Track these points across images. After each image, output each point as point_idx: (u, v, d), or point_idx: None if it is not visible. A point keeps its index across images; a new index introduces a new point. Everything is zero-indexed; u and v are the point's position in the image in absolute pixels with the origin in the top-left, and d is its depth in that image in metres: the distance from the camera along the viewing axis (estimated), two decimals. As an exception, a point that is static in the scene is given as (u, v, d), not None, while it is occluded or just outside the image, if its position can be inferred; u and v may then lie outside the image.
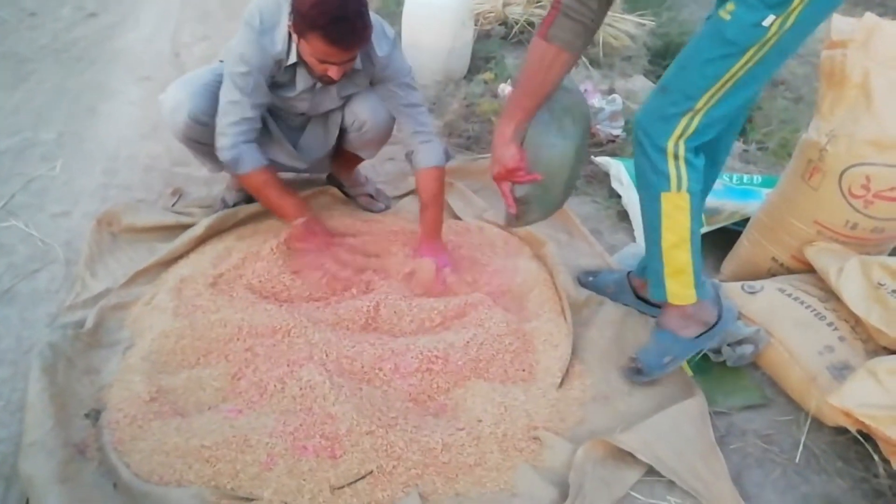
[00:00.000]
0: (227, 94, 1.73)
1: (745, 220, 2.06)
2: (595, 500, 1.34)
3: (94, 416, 1.45)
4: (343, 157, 2.14)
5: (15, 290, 1.83)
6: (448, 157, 2.36)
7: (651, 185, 1.45)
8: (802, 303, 1.73)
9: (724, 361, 1.69)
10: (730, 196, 2.23)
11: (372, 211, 2.24)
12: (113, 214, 2.04)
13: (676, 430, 1.47)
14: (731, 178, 2.37)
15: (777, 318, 1.72)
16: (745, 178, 2.39)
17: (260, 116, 1.80)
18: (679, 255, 1.48)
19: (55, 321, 1.70)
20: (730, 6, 1.26)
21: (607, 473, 1.40)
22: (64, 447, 1.33)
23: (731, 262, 2.05)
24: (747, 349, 1.67)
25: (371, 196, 2.26)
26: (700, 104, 1.35)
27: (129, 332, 1.70)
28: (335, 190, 2.28)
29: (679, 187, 1.42)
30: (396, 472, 1.36)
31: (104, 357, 1.62)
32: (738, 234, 2.05)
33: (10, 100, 2.84)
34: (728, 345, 1.67)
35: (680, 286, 1.52)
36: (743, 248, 2.01)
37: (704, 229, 2.07)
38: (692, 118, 1.37)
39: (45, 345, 1.54)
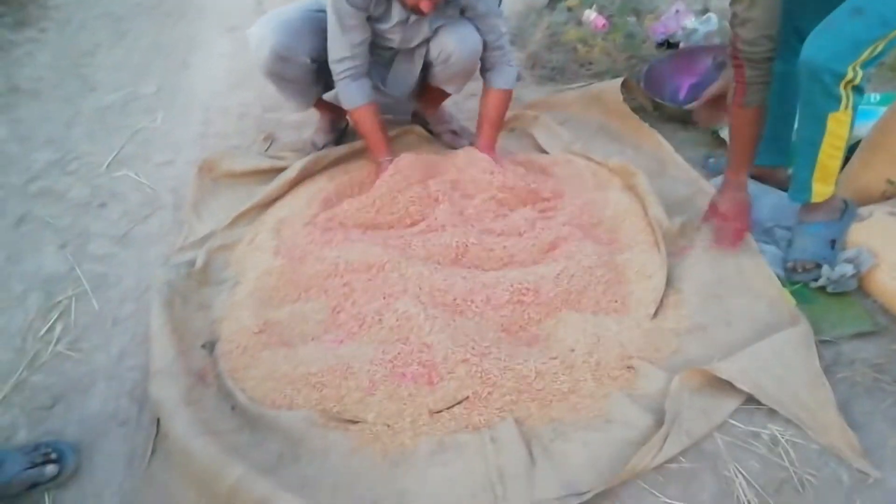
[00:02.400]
0: (330, 33, 1.80)
1: (856, 146, 1.91)
2: (692, 427, 1.33)
3: (210, 346, 1.57)
4: (428, 94, 2.14)
5: (131, 235, 1.97)
6: (519, 77, 2.41)
7: (818, 106, 1.47)
8: (917, 225, 1.61)
9: (826, 288, 1.61)
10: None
11: (455, 148, 2.24)
12: (212, 161, 2.15)
13: (778, 358, 1.43)
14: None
15: (888, 241, 1.61)
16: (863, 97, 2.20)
17: (365, 52, 1.86)
18: (832, 163, 1.56)
19: (168, 261, 1.82)
20: None
21: (705, 401, 1.39)
22: (186, 374, 1.46)
23: (841, 186, 1.91)
24: (847, 269, 1.58)
25: (455, 132, 2.26)
26: (894, 32, 1.34)
27: (234, 271, 1.80)
28: (420, 129, 2.29)
29: (847, 107, 1.45)
30: (492, 398, 1.40)
31: (214, 293, 1.73)
32: (848, 160, 1.91)
33: (110, 57, 3.00)
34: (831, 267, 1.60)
35: (824, 185, 1.60)
36: (854, 171, 1.87)
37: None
38: (879, 44, 1.36)
39: (162, 283, 1.67)
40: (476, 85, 2.41)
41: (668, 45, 2.64)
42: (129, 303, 1.73)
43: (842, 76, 1.40)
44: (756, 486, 1.28)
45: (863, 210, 1.73)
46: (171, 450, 1.34)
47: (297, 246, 1.79)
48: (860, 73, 1.40)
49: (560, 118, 2.35)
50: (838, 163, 1.56)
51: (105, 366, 1.57)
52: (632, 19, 2.77)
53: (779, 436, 1.36)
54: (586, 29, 2.73)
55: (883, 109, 1.90)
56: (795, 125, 1.72)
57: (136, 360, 1.57)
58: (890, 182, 1.79)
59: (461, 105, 2.50)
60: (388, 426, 1.36)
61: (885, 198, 1.80)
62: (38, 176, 2.24)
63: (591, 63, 2.60)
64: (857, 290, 1.64)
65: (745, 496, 1.27)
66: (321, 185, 2.00)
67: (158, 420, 1.39)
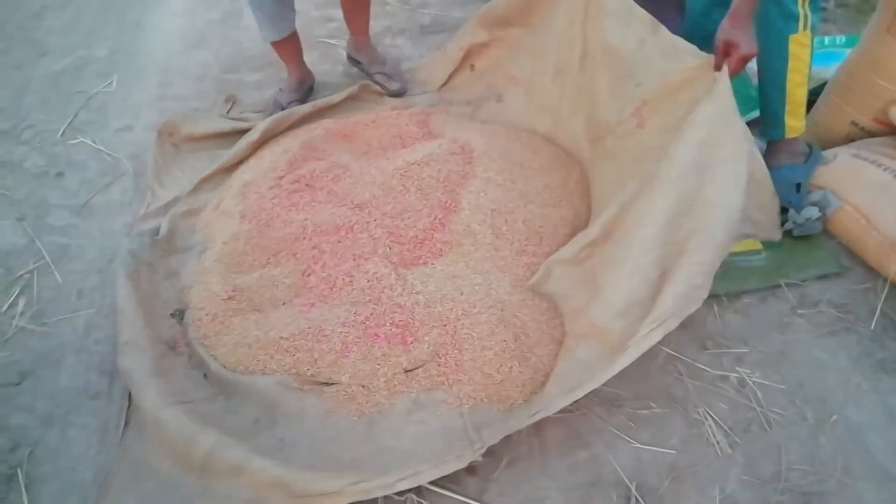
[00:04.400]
0: None
1: (821, 88, 1.92)
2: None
3: (179, 315, 1.55)
4: (352, 27, 2.19)
5: (92, 204, 1.92)
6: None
7: (779, 30, 1.49)
8: (880, 165, 1.63)
9: (791, 232, 1.63)
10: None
11: (387, 88, 2.23)
12: (172, 125, 2.08)
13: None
14: (811, 42, 2.18)
15: (852, 183, 1.63)
16: (826, 39, 2.19)
17: None
18: (800, 91, 1.58)
19: (132, 230, 1.78)
20: None
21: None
22: (155, 344, 1.44)
23: (807, 129, 1.92)
24: (812, 212, 1.60)
25: (387, 74, 2.25)
26: None
27: (201, 237, 1.77)
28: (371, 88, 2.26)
29: (805, 26, 1.49)
30: (464, 355, 1.40)
31: (181, 261, 1.70)
32: (813, 103, 1.92)
33: (59, 19, 2.87)
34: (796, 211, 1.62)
35: (796, 119, 1.62)
36: (820, 113, 1.88)
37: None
38: None
39: (126, 253, 1.63)
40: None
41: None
42: (93, 274, 1.70)
43: None
44: (724, 427, 1.32)
45: (828, 153, 1.74)
46: (143, 421, 1.33)
47: (263, 209, 1.75)
48: None
49: (529, 32, 2.06)
50: (804, 92, 1.58)
51: (72, 339, 1.55)
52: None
53: (746, 378, 1.39)
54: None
55: (848, 51, 1.90)
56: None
57: (103, 333, 1.55)
58: (854, 124, 1.80)
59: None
60: (363, 386, 1.37)
61: (849, 140, 1.82)
62: (-10, 147, 2.16)
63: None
64: (822, 232, 1.66)
65: (715, 437, 1.30)
66: (286, 146, 1.95)
67: (130, 393, 1.38)
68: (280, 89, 2.22)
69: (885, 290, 1.51)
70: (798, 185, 1.65)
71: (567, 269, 1.51)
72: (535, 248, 1.61)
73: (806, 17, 1.47)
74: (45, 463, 1.32)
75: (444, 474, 1.20)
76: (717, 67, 1.42)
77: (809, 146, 1.71)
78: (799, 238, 1.64)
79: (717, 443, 1.30)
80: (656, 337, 1.21)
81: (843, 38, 2.18)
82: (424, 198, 1.71)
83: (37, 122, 2.25)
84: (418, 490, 1.22)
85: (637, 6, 1.65)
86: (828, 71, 1.96)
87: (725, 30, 1.41)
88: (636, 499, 1.22)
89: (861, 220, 1.57)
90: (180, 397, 1.33)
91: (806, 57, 1.53)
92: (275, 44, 2.13)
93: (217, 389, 1.39)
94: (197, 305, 1.55)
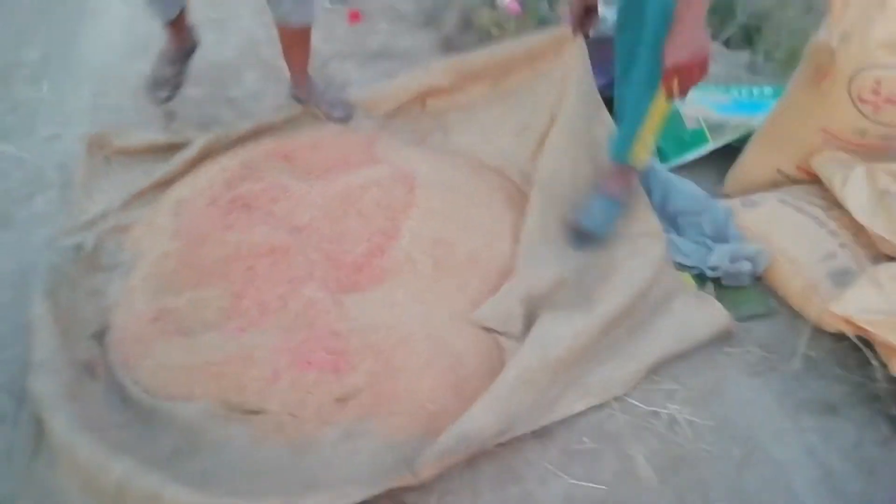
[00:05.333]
0: None
1: (749, 136, 2.01)
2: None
3: (100, 336, 1.47)
4: (291, 64, 2.11)
5: (12, 215, 1.81)
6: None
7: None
8: (803, 211, 1.71)
9: (720, 279, 1.68)
10: (738, 110, 2.16)
11: (331, 115, 2.16)
12: (104, 137, 1.99)
13: None
14: (739, 92, 2.29)
15: (777, 227, 1.70)
16: (756, 90, 2.30)
17: None
18: (661, 123, 1.59)
19: (54, 244, 1.68)
20: None
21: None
22: (71, 366, 1.35)
23: (734, 175, 2.01)
24: (745, 267, 1.65)
25: (330, 103, 2.18)
26: None
27: (129, 255, 1.69)
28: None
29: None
30: (399, 386, 1.37)
31: (106, 279, 1.62)
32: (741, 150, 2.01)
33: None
34: (730, 262, 1.66)
35: (644, 150, 1.66)
36: (746, 161, 1.97)
37: (709, 147, 2.03)
38: None
39: (46, 267, 1.54)
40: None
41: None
42: (7, 289, 1.59)
43: None
44: (654, 463, 1.33)
45: (755, 196, 1.82)
46: (53, 448, 1.24)
47: (197, 228, 1.69)
48: None
49: (499, 93, 2.14)
50: (661, 125, 1.60)
51: (-22, 358, 1.44)
52: (544, 3, 2.79)
53: (676, 415, 1.41)
54: (500, 12, 2.72)
55: (774, 102, 2.00)
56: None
57: (12, 353, 1.44)
58: (780, 171, 1.89)
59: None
60: (293, 415, 1.32)
61: (774, 186, 1.90)
62: None
63: (504, 47, 2.61)
64: (749, 273, 1.72)
65: (645, 473, 1.31)
66: (224, 165, 1.90)
67: (40, 416, 1.29)
68: (161, 59, 2.09)
69: (808, 331, 1.57)
70: (613, 223, 1.72)
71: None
72: (477, 281, 1.60)
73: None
74: (-62, 492, 1.21)
75: (375, 493, 1.16)
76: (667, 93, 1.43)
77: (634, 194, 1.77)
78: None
79: (647, 478, 1.31)
80: (579, 407, 1.39)
81: (770, 90, 2.30)
82: (365, 223, 1.69)
83: (-48, 124, 2.13)
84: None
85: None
86: (754, 120, 2.06)
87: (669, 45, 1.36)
88: (566, 535, 1.22)
89: (785, 263, 1.64)
90: (94, 423, 1.24)
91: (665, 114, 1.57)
92: (170, 24, 1.97)
93: (134, 416, 1.32)
94: (120, 326, 1.48)
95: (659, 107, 1.55)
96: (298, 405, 1.33)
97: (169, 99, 2.11)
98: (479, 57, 2.10)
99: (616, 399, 1.43)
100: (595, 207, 1.73)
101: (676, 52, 1.33)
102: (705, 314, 1.57)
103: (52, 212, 1.83)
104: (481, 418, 1.27)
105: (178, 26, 2.03)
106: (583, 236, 1.71)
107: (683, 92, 1.40)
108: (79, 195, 1.84)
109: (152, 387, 1.36)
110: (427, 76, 2.13)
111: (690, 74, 1.35)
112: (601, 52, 2.39)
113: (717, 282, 1.69)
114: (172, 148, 1.98)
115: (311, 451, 1.29)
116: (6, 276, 1.63)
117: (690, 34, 1.32)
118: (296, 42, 2.04)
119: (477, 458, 1.30)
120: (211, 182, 1.84)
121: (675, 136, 2.07)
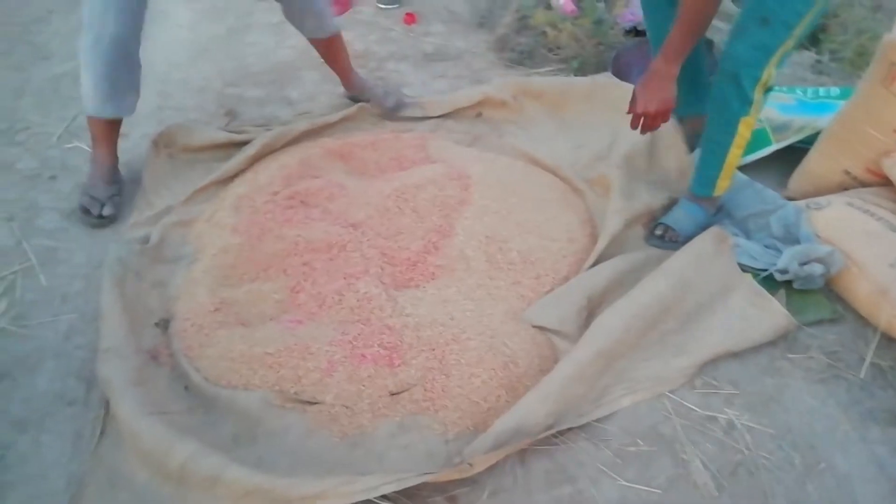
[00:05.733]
0: None
1: (814, 137, 1.94)
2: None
3: (164, 325, 1.52)
4: (336, 70, 2.23)
5: (83, 209, 1.89)
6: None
7: (732, 111, 1.57)
8: (873, 215, 1.64)
9: (791, 282, 1.62)
10: (803, 111, 2.10)
11: (383, 105, 2.21)
12: (168, 136, 2.07)
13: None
14: (804, 92, 2.22)
15: (844, 231, 1.64)
16: (822, 90, 2.23)
17: None
18: (735, 161, 1.67)
19: (121, 237, 1.76)
20: None
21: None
22: (137, 353, 1.41)
23: (800, 177, 1.95)
24: (816, 269, 1.58)
25: (383, 92, 2.24)
26: (797, 30, 1.45)
27: (191, 248, 1.74)
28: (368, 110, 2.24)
29: (756, 111, 1.57)
30: (451, 382, 1.38)
31: (170, 271, 1.67)
32: (806, 151, 1.94)
33: (64, 24, 2.87)
34: (800, 264, 1.60)
35: (726, 181, 1.72)
36: (813, 162, 1.90)
37: (772, 147, 1.97)
38: (788, 43, 1.46)
39: (113, 259, 1.60)
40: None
41: (636, 32, 2.64)
42: (78, 279, 1.67)
43: (758, 79, 1.51)
44: (711, 469, 1.30)
45: (821, 199, 1.76)
46: (120, 430, 1.29)
47: (256, 223, 1.74)
48: (773, 74, 1.52)
49: (555, 118, 2.21)
50: (739, 160, 1.69)
51: (53, 344, 1.51)
52: (601, 4, 2.76)
53: (735, 420, 1.38)
54: (555, 13, 2.71)
55: (842, 103, 1.93)
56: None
57: (84, 339, 1.51)
58: (847, 173, 1.82)
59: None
60: (347, 407, 1.34)
61: (842, 188, 1.84)
62: (-17, 146, 2.13)
63: (559, 48, 2.59)
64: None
65: (701, 479, 1.28)
66: (283, 162, 1.94)
67: (108, 402, 1.34)
68: (87, 182, 1.89)
69: (876, 339, 1.51)
70: (702, 228, 1.74)
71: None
72: (530, 280, 1.60)
73: (759, 103, 1.56)
74: (15, 468, 1.27)
75: (429, 480, 1.16)
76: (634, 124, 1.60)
77: (720, 206, 1.83)
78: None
79: (704, 485, 1.28)
80: (626, 402, 1.38)
81: (837, 90, 2.23)
82: (419, 220, 1.71)
83: (33, 125, 2.23)
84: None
85: None
86: (821, 120, 2.00)
87: (639, 88, 1.56)
88: (620, 537, 1.20)
89: (853, 267, 1.58)
90: (159, 408, 1.29)
91: (748, 134, 1.63)
92: (106, 120, 1.87)
93: (197, 402, 1.36)
94: (182, 316, 1.52)
95: (739, 142, 1.62)
96: (353, 397, 1.35)
97: (112, 218, 1.84)
98: (541, 82, 2.27)
99: (671, 402, 1.40)
100: (681, 210, 1.78)
101: (647, 103, 1.55)
102: (763, 314, 1.52)
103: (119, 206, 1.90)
104: (532, 411, 1.28)
105: (114, 132, 1.93)
106: (664, 236, 1.76)
107: (645, 132, 1.62)
108: (145, 191, 1.91)
109: (213, 375, 1.40)
110: (487, 88, 2.24)
111: (655, 122, 1.58)
112: (642, 52, 2.37)
113: (788, 285, 1.63)
114: (233, 146, 2.05)
115: (365, 442, 1.30)
116: (78, 267, 1.70)
117: (661, 87, 1.54)
118: (331, 50, 2.18)
119: (529, 457, 1.29)
120: (270, 179, 1.88)
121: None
